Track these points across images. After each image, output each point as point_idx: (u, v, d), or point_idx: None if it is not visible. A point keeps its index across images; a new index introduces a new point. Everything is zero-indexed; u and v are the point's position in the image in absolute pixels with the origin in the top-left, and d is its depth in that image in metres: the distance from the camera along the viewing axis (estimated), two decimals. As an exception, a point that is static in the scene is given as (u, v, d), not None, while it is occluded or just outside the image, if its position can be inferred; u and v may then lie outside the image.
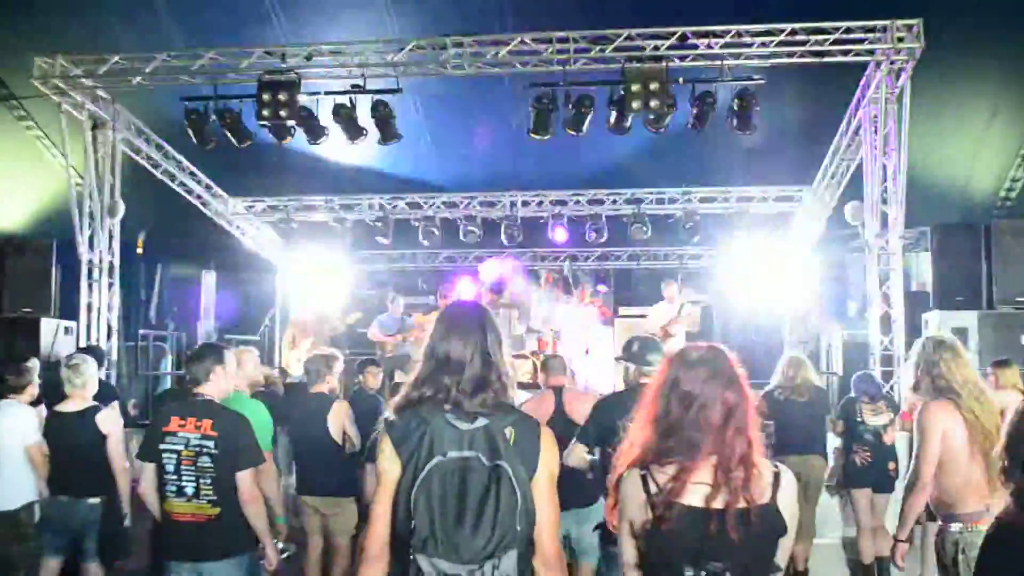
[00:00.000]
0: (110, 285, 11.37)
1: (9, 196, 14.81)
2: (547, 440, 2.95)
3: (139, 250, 15.15)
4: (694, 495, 2.72)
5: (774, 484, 2.82)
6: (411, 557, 2.73)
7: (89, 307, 11.30)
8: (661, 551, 2.74)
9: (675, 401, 2.83)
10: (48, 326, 10.96)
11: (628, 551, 2.86)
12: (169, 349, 14.03)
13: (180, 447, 4.79)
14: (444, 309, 3.22)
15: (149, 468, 4.92)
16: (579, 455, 5.56)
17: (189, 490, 4.77)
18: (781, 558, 2.86)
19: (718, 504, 2.70)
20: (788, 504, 2.83)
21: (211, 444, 4.79)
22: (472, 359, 2.95)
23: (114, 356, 11.28)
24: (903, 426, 8.13)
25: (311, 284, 16.22)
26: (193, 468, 4.77)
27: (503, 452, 2.81)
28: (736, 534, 2.67)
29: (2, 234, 14.14)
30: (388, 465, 2.89)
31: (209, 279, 15.10)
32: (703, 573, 2.70)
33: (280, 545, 6.05)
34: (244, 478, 4.83)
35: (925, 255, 12.83)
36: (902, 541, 4.77)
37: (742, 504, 2.71)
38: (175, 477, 4.78)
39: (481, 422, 2.86)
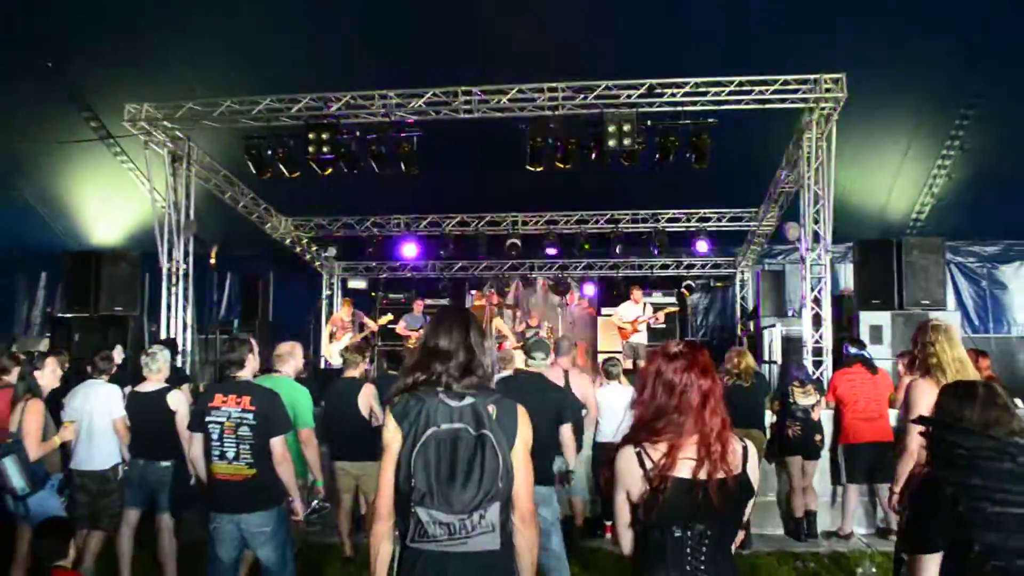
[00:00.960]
0: (185, 289, 11.39)
1: (108, 216, 14.96)
2: (523, 417, 3.00)
3: (212, 260, 15.15)
4: (683, 468, 2.76)
5: (743, 456, 2.86)
6: (412, 510, 2.79)
7: (168, 307, 11.32)
8: (656, 515, 2.76)
9: (660, 388, 2.88)
10: (133, 323, 11.03)
11: (623, 514, 2.90)
12: (235, 341, 14.02)
13: (223, 419, 4.85)
14: (436, 311, 3.29)
15: (197, 437, 4.98)
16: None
17: (230, 454, 4.84)
18: (746, 516, 2.93)
19: (703, 475, 2.74)
20: (754, 472, 2.88)
21: (249, 416, 4.85)
22: (457, 350, 3.02)
23: (188, 347, 11.29)
24: (827, 405, 8.12)
25: (349, 288, 16.35)
26: (234, 436, 4.84)
27: (487, 424, 2.86)
28: (717, 499, 2.72)
29: (102, 247, 14.28)
30: (392, 436, 2.93)
31: (266, 284, 15.11)
32: (689, 532, 2.76)
33: (315, 503, 6.10)
34: (276, 443, 4.90)
35: (851, 265, 12.84)
36: (896, 493, 4.56)
37: (721, 474, 2.75)
38: (219, 444, 4.85)
39: (468, 400, 2.92)
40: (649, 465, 2.79)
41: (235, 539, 4.92)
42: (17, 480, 5.53)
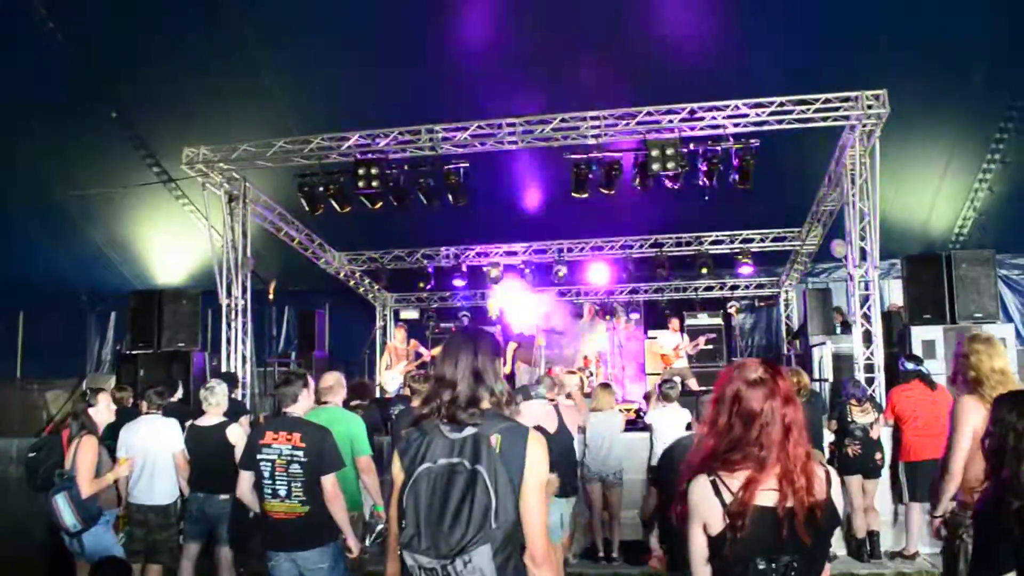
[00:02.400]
0: (243, 324, 11.26)
1: (172, 257, 15.03)
2: (534, 447, 2.62)
3: (270, 296, 15.14)
4: (766, 497, 2.42)
5: (827, 482, 2.52)
6: (400, 554, 2.49)
7: (228, 341, 11.21)
8: (737, 549, 2.41)
9: (738, 418, 2.51)
10: (197, 357, 10.95)
11: (699, 545, 2.52)
12: (293, 373, 13.93)
13: (274, 457, 4.63)
14: (446, 339, 2.97)
15: (246, 475, 4.77)
16: None
17: (282, 492, 4.61)
18: (832, 546, 2.55)
19: (789, 503, 2.40)
20: (838, 498, 2.55)
21: (300, 454, 4.61)
22: (464, 377, 2.68)
23: (248, 379, 11.14)
24: (886, 423, 7.67)
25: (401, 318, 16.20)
26: (285, 474, 4.60)
27: (483, 457, 2.51)
28: (806, 531, 2.38)
29: (166, 286, 14.30)
30: (396, 473, 2.65)
31: (322, 317, 15.02)
32: (774, 564, 2.40)
33: (380, 527, 5.85)
34: (327, 481, 4.65)
35: (895, 282, 12.35)
36: (937, 517, 4.16)
37: (807, 503, 2.41)
38: (270, 482, 4.62)
39: (469, 431, 2.58)
40: (727, 495, 2.45)
41: None
42: (69, 517, 5.37)
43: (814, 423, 7.47)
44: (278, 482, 4.61)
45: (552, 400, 6.62)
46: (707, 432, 2.60)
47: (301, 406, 4.98)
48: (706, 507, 2.49)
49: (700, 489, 2.52)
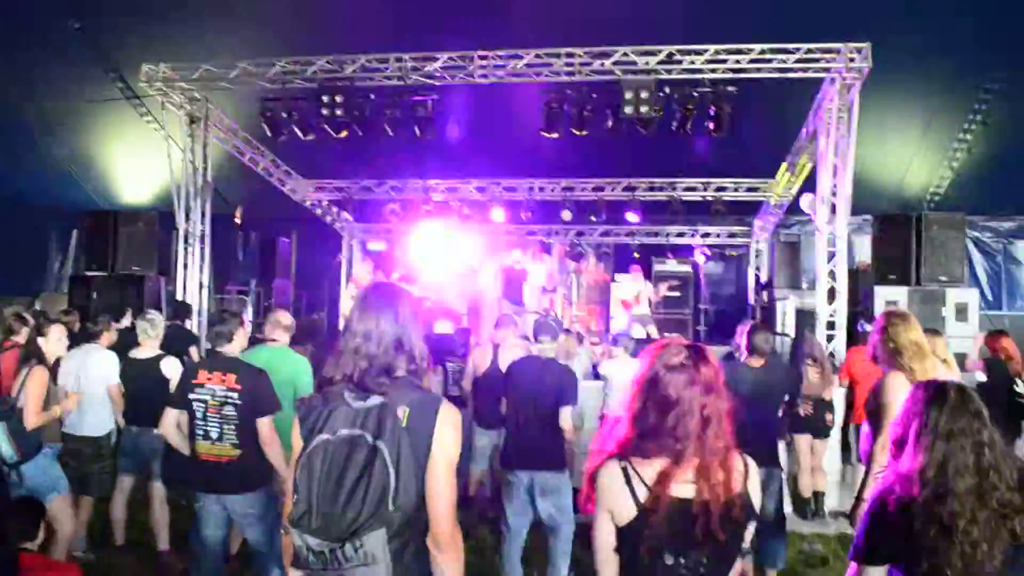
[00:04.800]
0: (201, 250, 10.89)
1: (136, 176, 14.61)
2: (445, 421, 2.34)
3: (237, 220, 14.77)
4: (681, 490, 2.22)
5: (744, 474, 2.31)
6: (286, 531, 2.23)
7: (186, 267, 10.84)
8: (645, 540, 2.21)
9: (653, 404, 2.30)
10: (150, 282, 10.60)
11: (606, 535, 2.31)
12: (250, 302, 13.66)
13: (207, 397, 4.41)
14: (362, 290, 2.61)
15: (172, 413, 4.55)
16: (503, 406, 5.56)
17: (214, 434, 4.41)
18: (747, 540, 2.34)
19: (704, 496, 2.20)
20: (755, 491, 2.34)
21: (235, 395, 4.39)
22: (382, 342, 2.37)
23: (203, 306, 10.80)
24: (840, 383, 7.53)
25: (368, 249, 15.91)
26: (218, 415, 4.39)
27: (386, 432, 2.24)
28: (721, 526, 2.18)
29: (132, 206, 13.88)
30: (295, 441, 2.36)
31: (287, 245, 14.66)
32: (683, 559, 2.21)
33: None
34: (263, 424, 4.43)
35: (866, 238, 12.17)
36: (863, 500, 3.96)
37: (722, 495, 2.21)
38: (202, 422, 4.42)
39: (375, 401, 2.30)
40: (638, 485, 2.24)
41: (221, 519, 4.56)
42: (5, 448, 5.09)
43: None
44: (210, 423, 4.41)
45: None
46: (625, 417, 2.37)
47: (236, 345, 4.76)
48: (614, 496, 2.28)
49: (609, 476, 2.30)
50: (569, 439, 5.26)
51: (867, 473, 4.08)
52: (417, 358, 2.44)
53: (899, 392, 3.96)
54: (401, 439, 2.25)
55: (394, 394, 2.32)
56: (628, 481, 2.26)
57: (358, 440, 2.24)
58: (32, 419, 5.20)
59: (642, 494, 2.24)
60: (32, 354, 5.41)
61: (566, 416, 5.21)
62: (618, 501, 2.27)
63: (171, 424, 4.59)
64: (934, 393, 2.50)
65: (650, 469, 2.26)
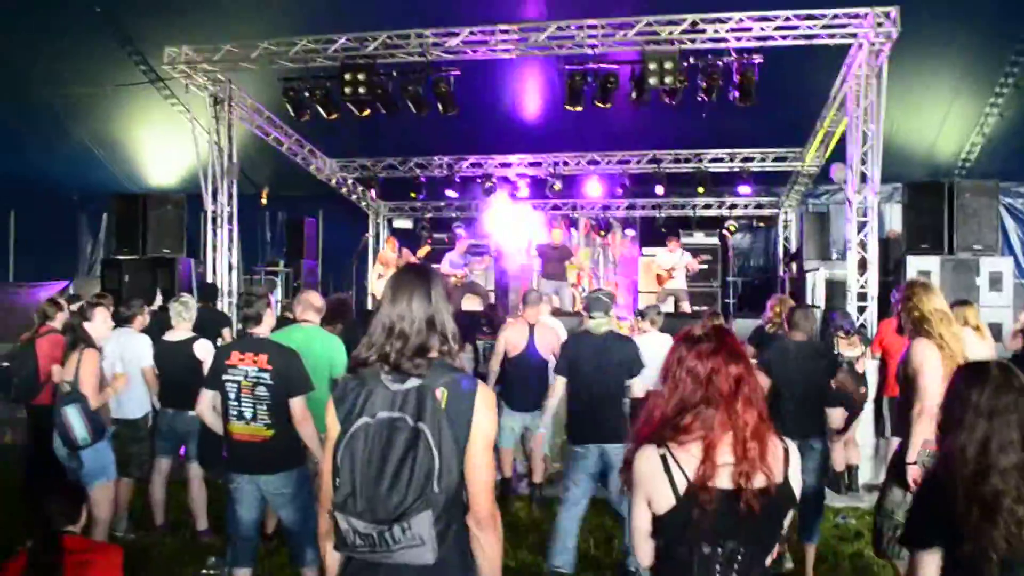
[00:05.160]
0: (229, 231, 10.94)
1: (164, 159, 14.67)
2: (482, 403, 2.36)
3: (263, 200, 14.85)
4: (722, 477, 2.20)
5: (784, 460, 2.29)
6: (332, 514, 2.24)
7: (214, 248, 10.91)
8: (684, 529, 2.22)
9: (684, 376, 2.30)
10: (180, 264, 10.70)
11: (642, 520, 2.33)
12: (280, 281, 13.76)
13: (240, 378, 4.43)
14: (394, 273, 2.61)
15: (207, 394, 4.60)
16: (560, 386, 5.53)
17: (248, 414, 4.43)
18: (785, 527, 2.34)
19: (743, 482, 2.18)
20: (795, 478, 2.31)
21: (267, 376, 4.41)
22: (415, 323, 2.38)
23: (232, 287, 10.88)
24: (872, 356, 7.45)
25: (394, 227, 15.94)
26: (251, 396, 4.41)
27: (427, 414, 2.26)
28: (759, 512, 2.17)
29: (160, 188, 13.98)
30: (331, 424, 2.38)
31: (313, 224, 14.72)
32: (719, 549, 2.20)
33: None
34: (296, 404, 4.45)
35: (896, 206, 11.98)
36: (912, 464, 4.07)
37: (762, 482, 2.19)
38: (236, 403, 4.44)
39: (413, 383, 2.31)
40: (677, 473, 2.23)
41: (255, 499, 4.59)
42: (80, 431, 5.14)
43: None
44: (243, 404, 4.44)
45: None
46: (657, 398, 2.37)
47: (266, 326, 4.77)
48: (653, 483, 2.27)
49: (647, 462, 2.29)
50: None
51: (907, 439, 4.08)
52: (450, 338, 2.45)
53: (929, 357, 4.07)
54: (441, 421, 2.27)
55: (430, 376, 2.33)
56: (667, 469, 2.25)
57: (398, 422, 2.26)
58: (94, 400, 5.27)
59: (681, 484, 2.23)
60: (80, 338, 5.44)
61: (637, 387, 5.38)
62: (657, 489, 2.27)
63: (207, 406, 4.64)
64: (975, 373, 2.47)
65: (689, 456, 2.25)
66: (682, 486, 2.22)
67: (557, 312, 9.84)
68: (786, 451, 2.32)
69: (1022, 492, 2.25)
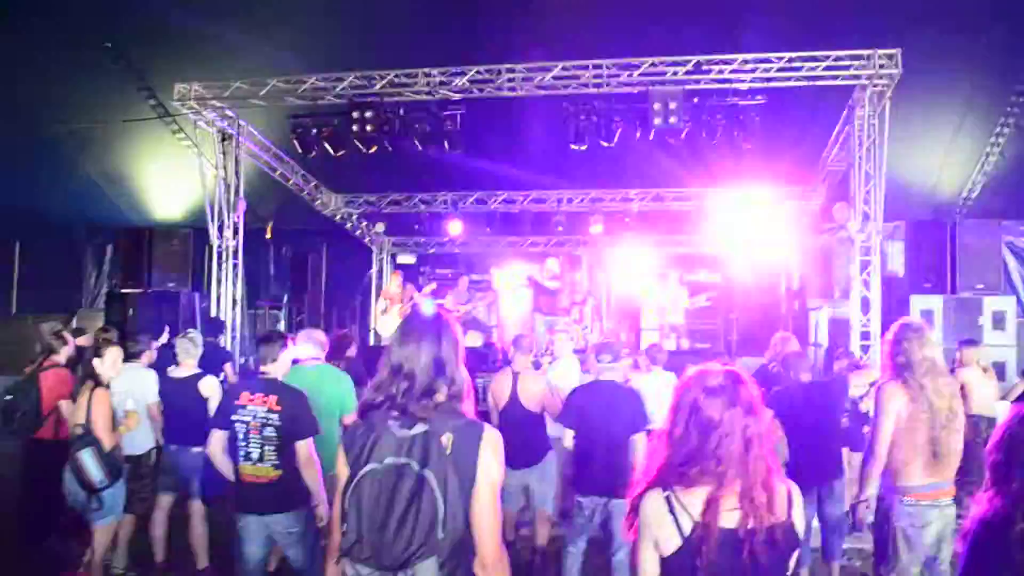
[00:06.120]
0: (234, 266, 10.97)
1: (170, 194, 14.63)
2: (488, 447, 2.38)
3: (268, 235, 14.89)
4: (726, 519, 2.21)
5: (788, 502, 2.30)
6: (338, 560, 2.26)
7: (219, 283, 10.94)
8: (691, 571, 2.21)
9: (695, 428, 2.29)
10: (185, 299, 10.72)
11: (650, 564, 2.32)
12: (283, 316, 13.78)
13: (248, 419, 4.44)
14: (405, 316, 2.63)
15: (218, 435, 4.58)
16: (568, 438, 5.45)
17: (255, 455, 4.45)
18: (791, 568, 2.32)
19: (749, 524, 2.18)
20: (799, 519, 2.31)
21: (275, 417, 4.43)
22: (423, 366, 2.40)
23: (236, 322, 10.90)
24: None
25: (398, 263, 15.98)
26: (259, 437, 4.43)
27: (432, 460, 2.27)
28: (764, 554, 2.17)
29: (165, 222, 14.02)
30: (340, 469, 2.40)
31: (317, 260, 14.77)
32: None
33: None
34: (301, 447, 4.47)
35: (899, 244, 12.02)
36: (862, 501, 4.20)
37: (768, 523, 2.20)
38: (244, 444, 4.46)
39: (420, 428, 2.32)
40: (682, 515, 2.23)
41: (262, 538, 4.60)
42: (97, 473, 5.14)
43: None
44: (251, 444, 4.46)
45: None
46: (663, 442, 2.37)
47: (280, 367, 4.78)
48: (659, 526, 2.27)
49: (653, 506, 2.30)
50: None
51: (861, 477, 4.20)
52: (457, 382, 2.46)
53: (891, 401, 4.06)
54: (447, 466, 2.27)
55: (437, 421, 2.34)
56: (672, 511, 2.25)
57: (404, 469, 2.26)
58: (107, 441, 5.25)
59: (686, 525, 2.23)
60: (88, 375, 5.44)
61: (639, 446, 5.19)
62: (662, 532, 2.27)
63: (218, 446, 4.65)
64: None
65: (694, 499, 2.25)
66: (687, 527, 2.22)
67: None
68: (790, 493, 2.32)
69: None
